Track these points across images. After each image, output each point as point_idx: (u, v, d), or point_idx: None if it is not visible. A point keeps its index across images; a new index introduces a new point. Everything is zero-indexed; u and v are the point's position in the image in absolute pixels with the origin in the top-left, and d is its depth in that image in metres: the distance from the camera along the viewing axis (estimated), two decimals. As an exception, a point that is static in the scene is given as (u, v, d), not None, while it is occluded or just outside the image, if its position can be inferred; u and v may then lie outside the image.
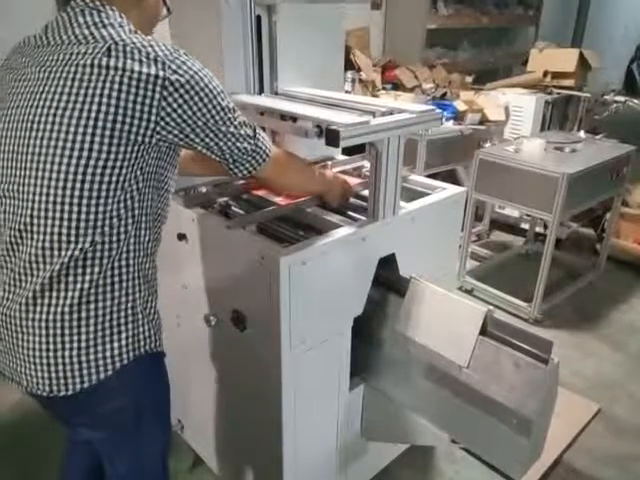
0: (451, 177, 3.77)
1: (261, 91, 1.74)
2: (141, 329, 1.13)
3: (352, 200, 1.73)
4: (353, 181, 1.76)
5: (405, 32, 4.79)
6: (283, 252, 1.31)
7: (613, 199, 3.35)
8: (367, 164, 1.92)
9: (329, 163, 1.91)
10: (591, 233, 3.96)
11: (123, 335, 1.10)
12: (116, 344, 1.09)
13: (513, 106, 3.89)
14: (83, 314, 1.05)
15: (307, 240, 1.41)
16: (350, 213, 1.65)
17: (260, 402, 1.55)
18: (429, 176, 2.40)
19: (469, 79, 4.41)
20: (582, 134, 3.45)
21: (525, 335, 1.32)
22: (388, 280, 1.61)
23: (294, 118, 1.45)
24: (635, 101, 3.77)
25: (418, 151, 3.28)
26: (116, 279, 1.08)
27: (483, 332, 1.35)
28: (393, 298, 1.60)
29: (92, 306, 1.05)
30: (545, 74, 4.19)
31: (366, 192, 1.65)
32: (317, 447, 1.66)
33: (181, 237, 1.61)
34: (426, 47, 4.89)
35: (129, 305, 1.10)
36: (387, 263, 1.60)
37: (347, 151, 1.80)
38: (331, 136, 1.27)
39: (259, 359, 1.47)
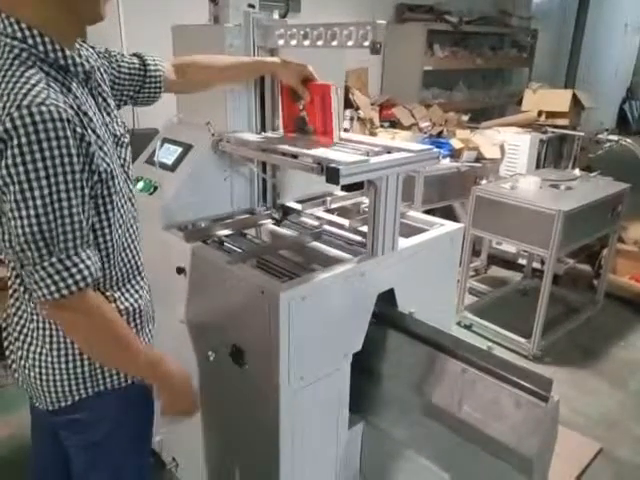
0: (448, 213, 3.81)
1: (263, 129, 1.78)
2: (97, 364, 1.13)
3: (351, 235, 1.75)
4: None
5: (402, 73, 4.92)
6: (283, 287, 1.31)
7: (609, 236, 3.39)
8: (366, 200, 1.94)
9: (328, 199, 1.93)
10: (588, 269, 3.98)
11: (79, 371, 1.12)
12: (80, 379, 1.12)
13: (509, 144, 3.96)
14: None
15: (307, 275, 1.42)
16: (349, 248, 1.67)
17: (257, 438, 1.53)
18: (426, 212, 2.43)
19: (465, 118, 4.50)
20: (577, 172, 3.51)
21: (525, 372, 1.31)
22: (387, 315, 1.61)
23: (295, 155, 1.49)
24: (628, 140, 3.84)
25: (416, 187, 3.32)
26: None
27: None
28: (392, 334, 1.60)
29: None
30: (539, 113, 4.28)
31: (365, 228, 1.67)
32: (315, 486, 1.63)
33: (180, 271, 1.61)
34: (423, 87, 5.02)
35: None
36: (386, 298, 1.61)
37: (346, 187, 1.82)
38: (331, 174, 1.30)
39: (257, 395, 1.46)
